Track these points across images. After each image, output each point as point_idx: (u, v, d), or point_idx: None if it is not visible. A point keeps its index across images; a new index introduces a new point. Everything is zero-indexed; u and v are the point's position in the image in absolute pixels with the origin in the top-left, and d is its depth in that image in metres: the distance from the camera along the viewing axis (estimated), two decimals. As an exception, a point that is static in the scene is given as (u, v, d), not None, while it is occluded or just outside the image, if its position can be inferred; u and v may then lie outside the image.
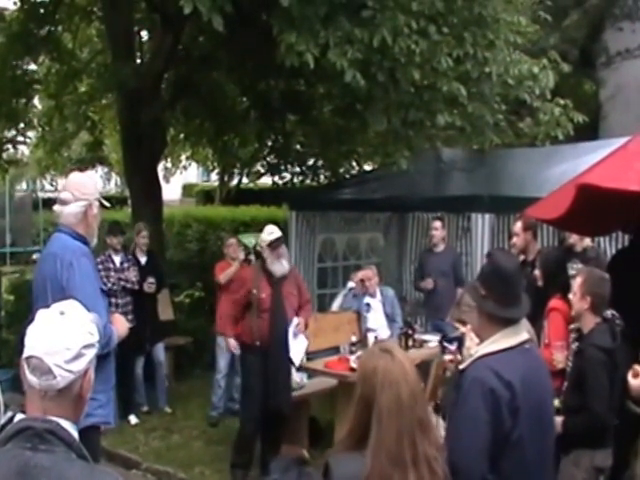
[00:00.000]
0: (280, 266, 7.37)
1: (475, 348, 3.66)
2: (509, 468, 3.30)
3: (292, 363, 7.52)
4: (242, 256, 9.24)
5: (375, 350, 3.04)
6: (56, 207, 4.77)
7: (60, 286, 4.49)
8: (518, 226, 7.24)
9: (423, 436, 2.86)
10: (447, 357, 4.66)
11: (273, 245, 7.33)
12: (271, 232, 7.42)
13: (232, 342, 7.60)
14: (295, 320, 7.47)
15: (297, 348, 7.52)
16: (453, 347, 4.41)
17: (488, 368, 3.32)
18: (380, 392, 2.84)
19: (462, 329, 4.31)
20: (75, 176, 4.96)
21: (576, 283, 5.20)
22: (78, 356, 2.28)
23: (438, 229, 9.75)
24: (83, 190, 4.72)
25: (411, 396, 2.85)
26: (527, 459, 3.33)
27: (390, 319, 9.26)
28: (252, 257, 9.29)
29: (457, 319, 4.97)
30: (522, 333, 3.50)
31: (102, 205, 4.89)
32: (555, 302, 5.87)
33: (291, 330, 7.41)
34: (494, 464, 3.26)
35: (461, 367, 3.58)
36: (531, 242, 7.26)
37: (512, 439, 3.28)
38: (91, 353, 2.35)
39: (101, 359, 4.26)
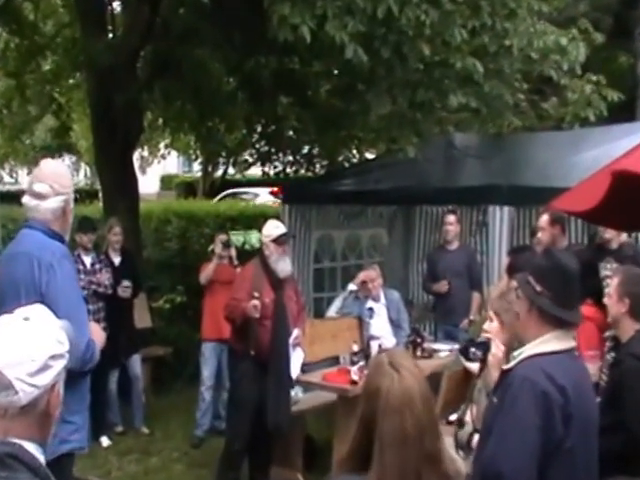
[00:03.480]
0: (285, 265, 7.38)
1: (498, 353, 3.71)
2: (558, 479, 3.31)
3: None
4: (218, 249, 9.19)
5: (384, 363, 2.91)
6: (27, 200, 4.57)
7: (38, 291, 4.32)
8: (545, 219, 7.16)
9: (431, 470, 2.79)
10: (471, 365, 4.59)
11: (280, 240, 7.34)
12: (277, 226, 7.48)
13: (252, 303, 7.10)
14: (295, 332, 7.47)
15: (294, 362, 7.51)
16: (480, 353, 4.35)
17: (540, 369, 3.34)
18: (382, 419, 2.77)
19: (486, 334, 4.25)
20: (51, 166, 4.78)
21: (612, 285, 5.14)
22: (44, 368, 2.24)
23: (453, 224, 9.72)
24: (63, 182, 4.58)
25: (417, 427, 2.76)
26: (577, 472, 3.35)
27: (395, 325, 9.25)
28: (232, 253, 9.23)
29: (495, 310, 4.90)
30: (571, 339, 3.52)
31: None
32: (586, 309, 5.78)
33: (290, 341, 7.39)
34: (542, 474, 3.26)
35: (505, 367, 3.58)
36: (558, 238, 7.20)
37: (564, 448, 3.29)
38: (59, 365, 2.31)
39: (78, 376, 4.19)
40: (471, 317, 9.12)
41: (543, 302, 3.45)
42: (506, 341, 4.12)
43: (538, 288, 3.47)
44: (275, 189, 23.30)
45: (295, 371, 7.57)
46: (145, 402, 9.84)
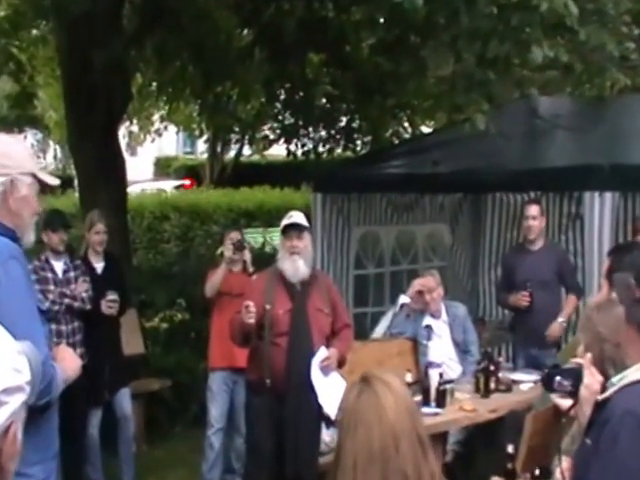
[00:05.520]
0: (291, 265, 7.35)
1: (593, 384, 3.69)
2: None
3: (323, 416, 7.45)
4: (229, 252, 9.14)
5: (355, 381, 3.10)
6: None
7: None
8: None
9: None
10: (561, 400, 4.52)
11: (286, 232, 7.40)
12: (290, 216, 7.49)
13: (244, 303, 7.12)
14: (323, 351, 7.38)
15: (330, 393, 7.41)
16: (568, 383, 4.26)
17: None
18: (345, 438, 2.90)
19: (578, 359, 4.19)
20: None
21: None
22: (-5, 406, 2.18)
23: (536, 217, 9.61)
24: (2, 160, 4.55)
25: (390, 441, 2.86)
26: None
27: (461, 349, 9.31)
28: (247, 257, 9.19)
29: None
30: None
31: (42, 184, 4.73)
32: None
33: (316, 365, 7.31)
34: None
35: (601, 397, 3.49)
36: None
37: None
38: (16, 400, 2.25)
39: (38, 414, 4.17)
40: (560, 319, 9.07)
41: (638, 312, 3.37)
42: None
43: (638, 294, 3.37)
44: (187, 183, 23.51)
45: (332, 406, 7.39)
46: (136, 451, 9.81)
